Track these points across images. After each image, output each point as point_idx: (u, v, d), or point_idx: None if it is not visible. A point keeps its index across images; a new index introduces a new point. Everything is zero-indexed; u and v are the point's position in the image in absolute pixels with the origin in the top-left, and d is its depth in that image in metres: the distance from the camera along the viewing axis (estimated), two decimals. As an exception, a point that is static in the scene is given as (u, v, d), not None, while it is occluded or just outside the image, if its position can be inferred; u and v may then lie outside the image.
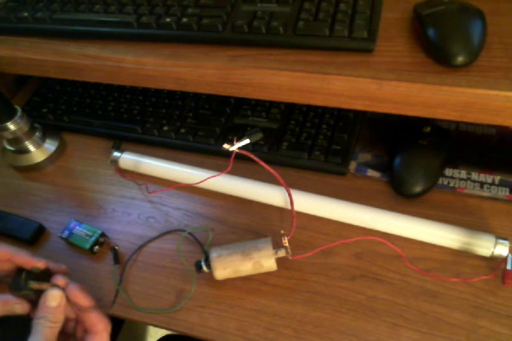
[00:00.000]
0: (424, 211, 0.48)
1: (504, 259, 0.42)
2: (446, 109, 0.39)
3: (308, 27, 0.43)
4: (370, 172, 0.52)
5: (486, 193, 0.49)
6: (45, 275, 0.41)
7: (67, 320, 0.40)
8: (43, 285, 0.40)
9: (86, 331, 0.40)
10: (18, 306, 0.40)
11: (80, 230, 0.49)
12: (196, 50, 0.46)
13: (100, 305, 0.45)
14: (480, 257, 0.44)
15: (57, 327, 0.38)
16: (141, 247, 0.49)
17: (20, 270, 0.40)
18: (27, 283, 0.39)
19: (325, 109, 0.57)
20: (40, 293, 0.40)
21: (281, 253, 0.43)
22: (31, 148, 0.58)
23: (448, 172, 0.51)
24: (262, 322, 0.43)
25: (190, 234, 0.49)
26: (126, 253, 0.49)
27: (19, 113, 0.54)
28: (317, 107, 0.57)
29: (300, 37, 0.43)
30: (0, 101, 0.52)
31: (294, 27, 0.43)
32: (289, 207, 0.46)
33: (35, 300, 0.40)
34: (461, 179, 0.50)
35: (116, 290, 0.46)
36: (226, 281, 0.45)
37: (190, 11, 0.47)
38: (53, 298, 0.39)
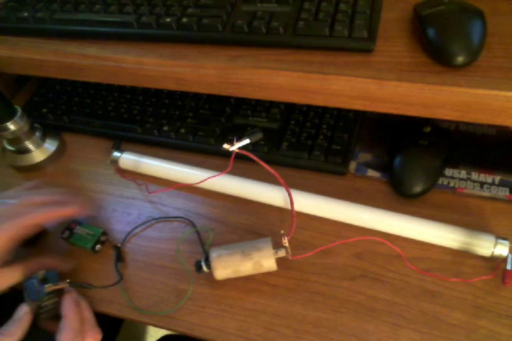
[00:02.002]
0: (424, 211, 0.48)
1: (504, 259, 0.42)
2: (446, 109, 0.39)
3: (308, 27, 0.43)
4: (370, 172, 0.52)
5: (486, 193, 0.49)
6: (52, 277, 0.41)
7: None
8: (59, 286, 0.40)
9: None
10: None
11: (80, 229, 0.49)
12: (196, 50, 0.46)
13: (102, 304, 0.45)
14: (480, 257, 0.44)
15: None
16: (146, 223, 0.51)
17: (26, 281, 0.40)
18: (42, 289, 0.39)
19: (325, 109, 0.57)
20: (56, 302, 0.40)
21: (281, 253, 0.43)
22: (31, 148, 0.58)
23: (448, 172, 0.51)
24: (262, 322, 0.43)
25: (196, 231, 0.49)
26: (127, 252, 0.49)
27: (19, 113, 0.54)
28: (317, 107, 0.57)
29: (300, 37, 0.43)
30: (0, 101, 0.52)
31: (294, 27, 0.43)
32: (289, 207, 0.46)
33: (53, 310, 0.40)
34: (461, 179, 0.50)
35: (120, 274, 0.46)
36: (226, 281, 0.45)
37: (190, 11, 0.47)
38: (17, 312, 0.40)
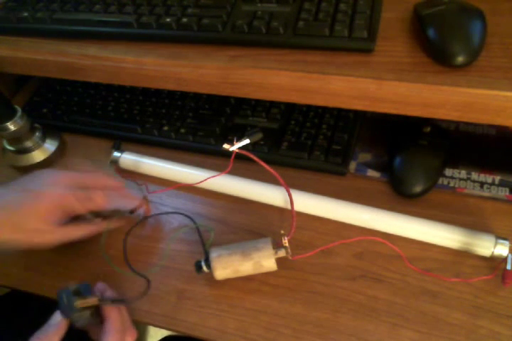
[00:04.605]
0: (424, 211, 0.48)
1: (504, 259, 0.42)
2: (446, 109, 0.39)
3: (308, 27, 0.43)
4: (370, 172, 0.52)
5: (486, 193, 0.49)
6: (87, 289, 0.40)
7: None
8: (89, 301, 0.38)
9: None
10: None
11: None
12: (196, 50, 0.46)
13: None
14: (480, 257, 0.44)
15: None
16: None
17: (60, 293, 0.39)
18: (73, 304, 0.38)
19: (325, 109, 0.57)
20: (93, 312, 0.39)
21: (281, 253, 0.43)
22: (31, 148, 0.58)
23: (448, 172, 0.51)
24: (262, 322, 0.43)
25: (197, 228, 0.49)
26: (128, 253, 0.49)
27: (19, 113, 0.54)
28: (317, 107, 0.57)
29: (300, 37, 0.43)
30: (0, 101, 0.52)
31: (294, 27, 0.43)
32: (289, 207, 0.46)
33: (92, 321, 0.39)
34: (461, 179, 0.50)
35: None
36: (226, 281, 0.45)
37: (190, 11, 0.47)
38: (53, 318, 0.39)
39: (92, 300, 0.39)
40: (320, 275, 0.45)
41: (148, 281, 0.45)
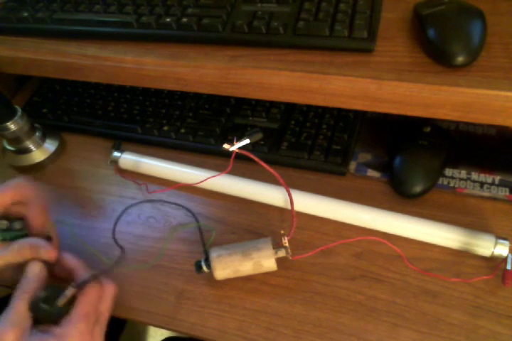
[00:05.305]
0: (424, 211, 0.48)
1: (504, 259, 0.42)
2: (446, 109, 0.39)
3: (308, 27, 0.43)
4: (370, 172, 0.52)
5: (486, 193, 0.49)
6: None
7: None
8: (68, 294, 0.38)
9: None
10: (43, 250, 0.40)
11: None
12: (196, 50, 0.46)
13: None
14: (480, 257, 0.44)
15: (27, 296, 0.37)
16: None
17: (34, 305, 0.37)
18: (58, 306, 0.37)
19: (325, 109, 0.57)
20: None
21: (281, 253, 0.43)
22: (31, 148, 0.58)
23: (448, 172, 0.51)
24: (262, 322, 0.43)
25: (199, 228, 0.49)
26: (128, 253, 0.49)
27: (19, 113, 0.54)
28: (317, 107, 0.57)
29: (300, 37, 0.43)
30: (0, 101, 0.52)
31: (294, 27, 0.43)
32: (289, 207, 0.46)
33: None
34: (461, 179, 0.50)
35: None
36: (226, 281, 0.45)
37: (190, 11, 0.47)
38: (30, 269, 0.38)
39: (69, 292, 0.38)
40: (320, 275, 0.45)
41: (122, 248, 0.46)
